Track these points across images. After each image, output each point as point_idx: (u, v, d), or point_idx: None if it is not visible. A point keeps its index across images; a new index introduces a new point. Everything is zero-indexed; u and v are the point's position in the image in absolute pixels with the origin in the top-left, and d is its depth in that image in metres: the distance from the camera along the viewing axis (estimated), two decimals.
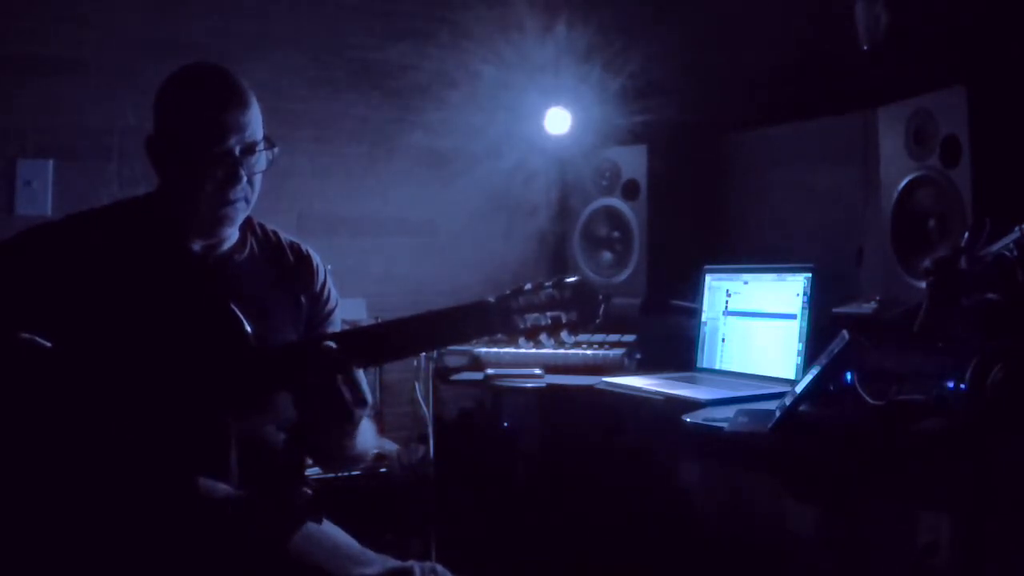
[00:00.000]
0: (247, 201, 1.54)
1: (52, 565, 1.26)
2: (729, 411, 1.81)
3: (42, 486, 1.29)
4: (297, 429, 1.45)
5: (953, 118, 1.88)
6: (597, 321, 1.42)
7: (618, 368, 2.38)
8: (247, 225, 1.63)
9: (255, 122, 1.51)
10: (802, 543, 2.19)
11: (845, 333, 1.67)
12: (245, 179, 1.49)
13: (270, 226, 1.69)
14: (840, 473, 1.70)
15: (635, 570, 2.44)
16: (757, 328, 2.30)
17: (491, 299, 1.43)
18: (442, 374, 2.49)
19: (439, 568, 1.39)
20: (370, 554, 1.47)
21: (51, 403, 1.33)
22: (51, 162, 2.40)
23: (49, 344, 1.37)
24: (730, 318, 2.38)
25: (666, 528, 2.48)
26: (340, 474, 2.28)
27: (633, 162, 2.77)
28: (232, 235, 1.59)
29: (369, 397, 1.39)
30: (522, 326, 1.41)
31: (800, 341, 2.16)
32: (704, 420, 1.82)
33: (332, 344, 1.37)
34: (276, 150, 1.55)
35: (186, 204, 1.50)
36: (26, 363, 1.35)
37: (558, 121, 2.91)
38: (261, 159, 1.53)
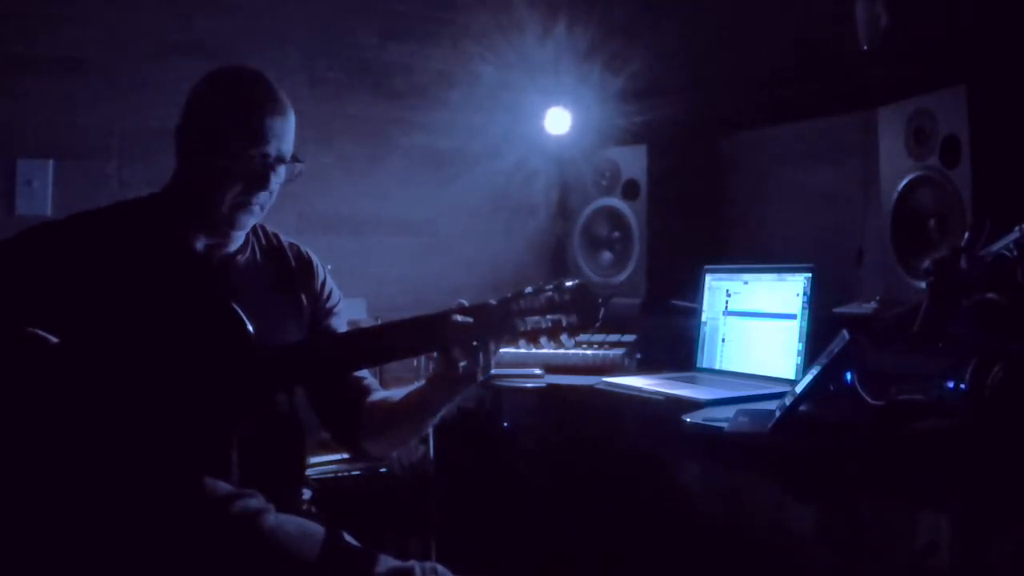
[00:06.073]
0: (262, 208, 1.55)
1: (54, 562, 1.26)
2: (729, 411, 1.81)
3: (45, 482, 1.29)
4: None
5: (953, 118, 1.88)
6: (597, 325, 1.42)
7: (618, 368, 2.38)
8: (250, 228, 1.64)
9: (291, 133, 1.54)
10: (802, 543, 2.19)
11: (845, 333, 1.67)
12: (271, 186, 1.51)
13: (271, 228, 1.70)
14: (840, 473, 1.69)
15: (635, 570, 2.44)
16: (757, 328, 2.30)
17: (492, 302, 1.44)
18: None
19: (439, 568, 1.39)
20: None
21: (55, 397, 1.33)
22: (51, 162, 2.40)
23: (55, 340, 1.37)
24: (730, 318, 2.38)
25: (666, 528, 2.48)
26: (339, 474, 2.28)
27: (633, 162, 2.77)
28: (238, 237, 1.60)
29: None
30: (523, 329, 1.42)
31: (800, 341, 2.16)
32: (704, 420, 1.81)
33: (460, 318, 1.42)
34: (302, 166, 1.56)
35: (205, 199, 1.51)
36: (32, 357, 1.35)
37: (558, 121, 2.90)
38: (285, 171, 1.54)
